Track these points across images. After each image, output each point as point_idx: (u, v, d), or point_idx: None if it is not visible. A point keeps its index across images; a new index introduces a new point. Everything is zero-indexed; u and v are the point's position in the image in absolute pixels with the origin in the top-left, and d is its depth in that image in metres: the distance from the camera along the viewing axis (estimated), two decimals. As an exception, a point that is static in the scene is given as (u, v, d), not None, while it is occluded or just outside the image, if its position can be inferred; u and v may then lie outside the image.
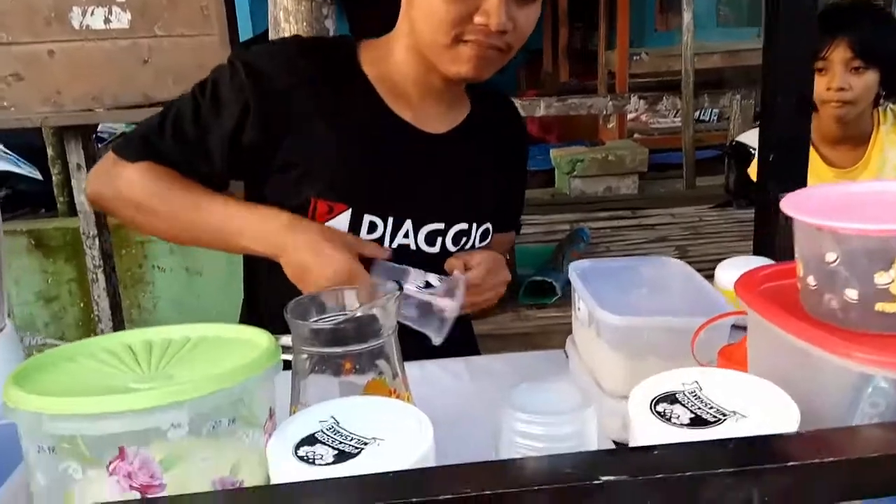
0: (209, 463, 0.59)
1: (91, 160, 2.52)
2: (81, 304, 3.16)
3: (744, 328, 1.03)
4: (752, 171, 2.21)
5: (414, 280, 1.10)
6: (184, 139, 1.14)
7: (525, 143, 1.41)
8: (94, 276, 2.58)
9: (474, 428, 0.98)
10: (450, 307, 1.08)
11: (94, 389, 0.60)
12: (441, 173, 1.22)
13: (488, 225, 1.26)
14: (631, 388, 1.00)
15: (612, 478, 0.53)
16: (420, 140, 1.20)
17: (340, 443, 0.61)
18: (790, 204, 0.72)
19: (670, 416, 0.62)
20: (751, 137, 3.81)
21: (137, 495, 0.57)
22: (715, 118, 5.40)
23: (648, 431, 0.62)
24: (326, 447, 0.61)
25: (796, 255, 0.74)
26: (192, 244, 1.19)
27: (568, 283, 2.36)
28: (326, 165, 1.14)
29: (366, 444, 0.61)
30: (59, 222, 3.26)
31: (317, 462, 0.59)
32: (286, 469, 0.58)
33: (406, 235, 1.19)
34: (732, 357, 0.89)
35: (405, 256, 1.16)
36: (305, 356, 0.86)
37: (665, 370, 0.98)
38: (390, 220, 1.17)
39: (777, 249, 1.24)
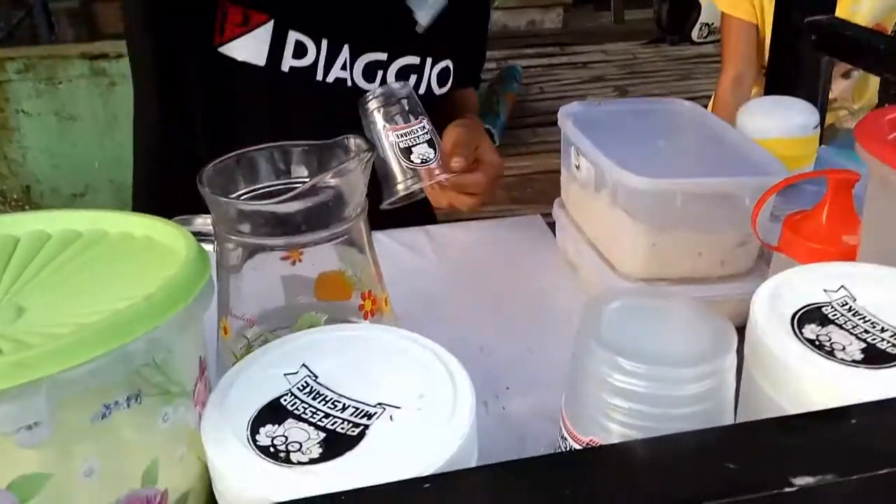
0: (100, 477, 0.33)
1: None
2: (-65, 156, 2.72)
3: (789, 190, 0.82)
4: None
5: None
6: None
7: None
8: (-56, 123, 2.16)
9: (455, 326, 0.77)
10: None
11: None
12: None
13: (447, 63, 0.98)
14: (655, 268, 0.80)
15: (810, 480, 0.32)
16: None
17: (327, 416, 0.37)
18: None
19: (832, 348, 0.41)
20: (685, -34, 3.53)
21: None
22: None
23: (804, 374, 0.40)
24: (304, 425, 0.36)
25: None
26: None
27: (506, 128, 2.13)
28: None
29: (369, 416, 0.37)
30: None
31: (293, 458, 0.35)
32: (240, 475, 0.34)
33: (344, 67, 0.91)
34: (802, 230, 0.68)
35: (341, 95, 0.90)
36: (234, 246, 0.60)
37: (696, 246, 0.78)
38: (324, 43, 0.88)
39: (800, 85, 1.02)
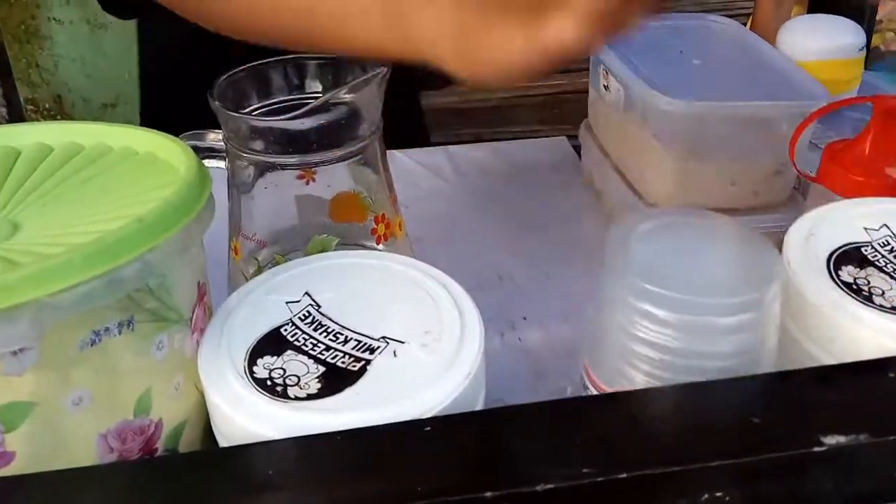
0: (90, 407, 0.32)
1: None
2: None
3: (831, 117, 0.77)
4: None
5: None
6: None
7: None
8: (-26, 29, 2.13)
9: (473, 251, 0.75)
10: None
11: None
12: None
13: None
14: (685, 196, 0.77)
15: (842, 439, 0.29)
16: None
17: (327, 349, 0.35)
18: None
19: (870, 293, 0.38)
20: None
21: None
22: None
23: (838, 321, 0.37)
24: (304, 358, 0.35)
25: None
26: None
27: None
28: None
29: (372, 351, 0.35)
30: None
31: (291, 393, 0.33)
32: (234, 409, 0.33)
33: None
34: (843, 160, 0.64)
35: None
36: (246, 164, 0.58)
37: (729, 174, 0.75)
38: None
39: (846, 4, 0.96)
